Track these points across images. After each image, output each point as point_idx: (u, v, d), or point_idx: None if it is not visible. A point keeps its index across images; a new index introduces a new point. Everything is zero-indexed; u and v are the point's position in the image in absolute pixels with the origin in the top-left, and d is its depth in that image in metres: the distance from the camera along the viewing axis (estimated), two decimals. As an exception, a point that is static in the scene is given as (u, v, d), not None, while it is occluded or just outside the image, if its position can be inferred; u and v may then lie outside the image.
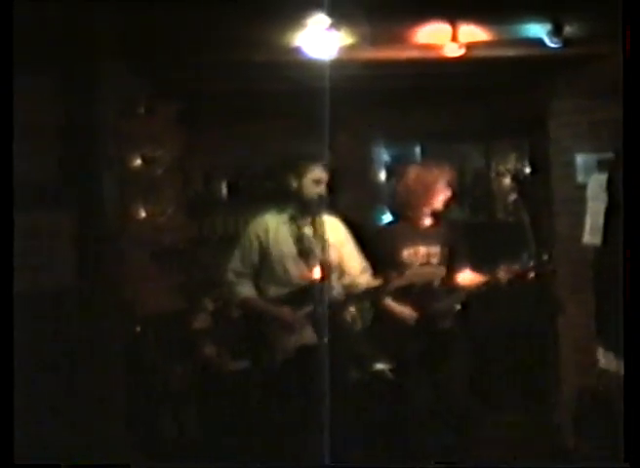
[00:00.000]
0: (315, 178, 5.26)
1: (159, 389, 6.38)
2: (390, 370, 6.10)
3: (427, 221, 5.58)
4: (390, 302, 5.44)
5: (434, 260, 5.52)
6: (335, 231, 5.37)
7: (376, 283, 5.27)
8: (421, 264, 5.48)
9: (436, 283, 5.48)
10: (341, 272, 5.32)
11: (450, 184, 5.54)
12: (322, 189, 5.24)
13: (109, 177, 5.19)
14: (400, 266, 5.44)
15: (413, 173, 5.61)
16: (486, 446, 6.03)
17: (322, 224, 5.15)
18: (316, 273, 4.99)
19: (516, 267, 5.34)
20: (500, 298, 5.98)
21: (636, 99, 3.10)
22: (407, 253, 5.49)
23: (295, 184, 5.28)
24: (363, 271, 5.35)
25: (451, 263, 5.56)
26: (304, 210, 5.28)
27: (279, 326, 5.16)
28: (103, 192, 5.10)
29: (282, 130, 7.62)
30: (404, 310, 5.45)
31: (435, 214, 5.58)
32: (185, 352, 6.65)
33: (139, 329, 6.17)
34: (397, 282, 5.22)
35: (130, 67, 5.51)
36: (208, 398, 6.63)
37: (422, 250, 5.51)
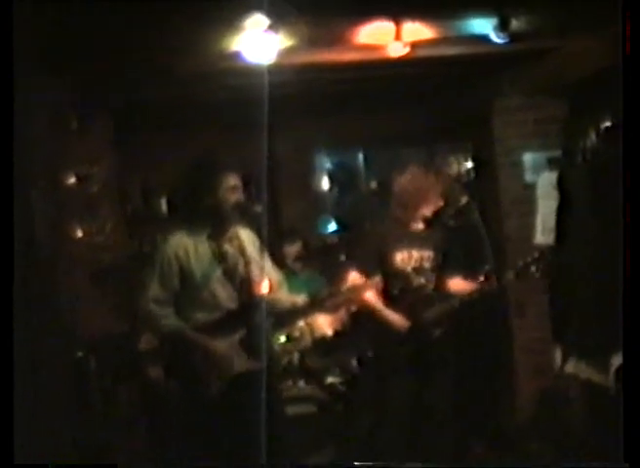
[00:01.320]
0: (231, 186, 4.78)
1: (106, 413, 6.14)
2: (341, 383, 5.97)
3: (420, 226, 5.44)
4: (379, 306, 5.28)
5: (427, 265, 5.38)
6: (251, 244, 4.93)
7: (300, 300, 5.00)
8: (414, 269, 5.33)
9: (430, 288, 5.34)
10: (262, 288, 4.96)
11: (443, 194, 5.40)
12: (240, 197, 4.79)
13: (42, 197, 4.92)
14: (393, 269, 5.26)
15: (410, 175, 5.48)
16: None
17: (241, 238, 4.84)
18: (246, 293, 4.73)
19: (507, 276, 5.25)
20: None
21: (636, 97, 2.99)
22: (400, 257, 5.34)
23: (210, 196, 4.78)
24: (280, 285, 4.99)
25: (442, 268, 5.45)
26: (224, 224, 4.83)
27: (211, 357, 4.72)
28: (36, 213, 4.83)
29: (221, 140, 7.43)
30: (396, 317, 5.29)
31: (426, 220, 5.44)
32: (131, 375, 6.42)
33: (80, 354, 5.92)
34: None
35: (59, 81, 5.27)
36: (155, 420, 6.40)
37: (415, 254, 5.37)
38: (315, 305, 5.05)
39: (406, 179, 5.48)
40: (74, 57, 4.72)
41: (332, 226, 7.87)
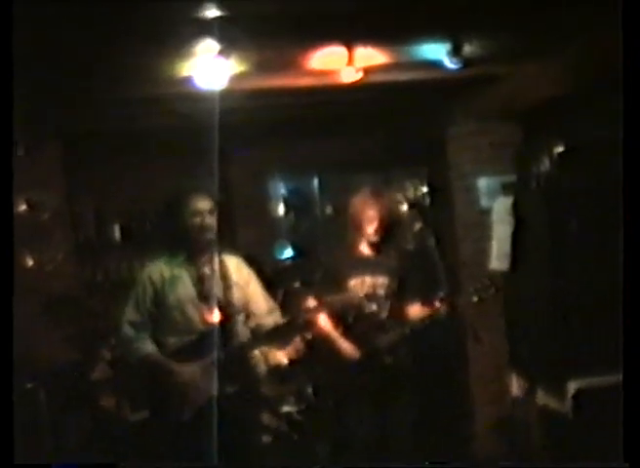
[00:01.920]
0: (194, 210, 4.77)
1: (56, 445, 6.03)
2: (297, 412, 5.90)
3: (371, 251, 5.38)
4: (333, 334, 5.21)
5: (381, 291, 5.31)
6: (237, 270, 4.96)
7: (283, 320, 4.99)
8: (366, 295, 5.26)
9: (384, 315, 5.27)
10: (247, 314, 4.97)
11: (382, 214, 5.32)
12: (205, 221, 4.76)
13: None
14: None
15: (356, 198, 5.45)
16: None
17: (223, 263, 4.82)
18: (215, 317, 4.68)
19: (461, 300, 5.19)
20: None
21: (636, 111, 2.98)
22: (353, 283, 5.27)
23: (178, 221, 4.82)
24: (270, 311, 5.00)
25: (397, 295, 5.38)
26: (196, 247, 4.83)
27: (182, 383, 4.75)
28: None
29: (173, 166, 7.37)
30: (347, 346, 5.21)
31: (376, 245, 5.37)
32: (84, 405, 6.31)
33: (30, 385, 5.81)
34: (329, 300, 4.99)
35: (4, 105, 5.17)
36: (108, 450, 6.29)
37: (368, 280, 5.30)
38: (294, 329, 5.06)
39: (352, 203, 5.45)
40: (20, 81, 4.63)
41: (288, 252, 7.81)
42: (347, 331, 5.22)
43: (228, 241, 5.27)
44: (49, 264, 6.58)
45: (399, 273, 5.38)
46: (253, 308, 4.95)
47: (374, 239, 5.30)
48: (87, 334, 6.60)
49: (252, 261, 6.62)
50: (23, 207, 6.38)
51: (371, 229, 5.28)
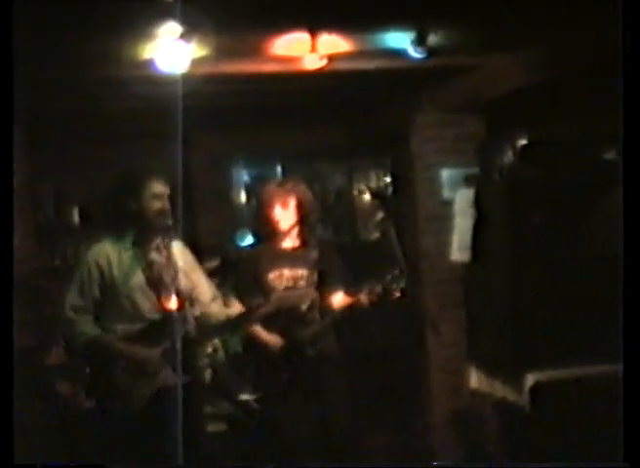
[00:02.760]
0: (155, 193, 4.66)
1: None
2: (256, 401, 5.86)
3: (289, 242, 5.31)
4: (258, 329, 5.14)
5: (302, 283, 5.24)
6: (182, 256, 4.81)
7: (235, 312, 4.92)
8: (287, 288, 5.20)
9: (304, 307, 5.19)
10: (192, 301, 4.80)
11: (297, 202, 5.24)
12: (164, 205, 4.66)
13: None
14: (265, 290, 5.13)
15: (265, 188, 5.39)
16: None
17: (170, 248, 4.68)
18: (171, 304, 4.58)
19: (378, 288, 5.10)
20: (369, 319, 5.79)
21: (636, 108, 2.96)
22: (272, 277, 5.21)
23: (134, 203, 4.68)
24: (213, 299, 4.88)
25: (320, 286, 5.29)
26: (148, 232, 4.70)
27: (132, 368, 4.62)
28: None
29: (134, 149, 7.30)
30: (271, 338, 5.16)
31: (291, 236, 5.30)
32: (39, 390, 6.24)
33: (-17, 369, 5.72)
34: (263, 309, 4.90)
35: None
36: (65, 436, 6.23)
37: (287, 273, 5.23)
38: (249, 317, 4.94)
39: (261, 193, 5.40)
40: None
41: (248, 239, 7.77)
42: (270, 324, 5.16)
43: (189, 228, 5.20)
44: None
45: (319, 265, 5.30)
46: (197, 295, 4.83)
47: (284, 227, 5.23)
48: (43, 319, 6.54)
49: (211, 247, 6.59)
50: (-19, 188, 6.27)
51: (280, 216, 5.22)
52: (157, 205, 4.65)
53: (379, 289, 5.03)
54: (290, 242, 5.31)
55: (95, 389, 4.88)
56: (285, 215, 5.23)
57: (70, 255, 7.60)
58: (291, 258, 5.27)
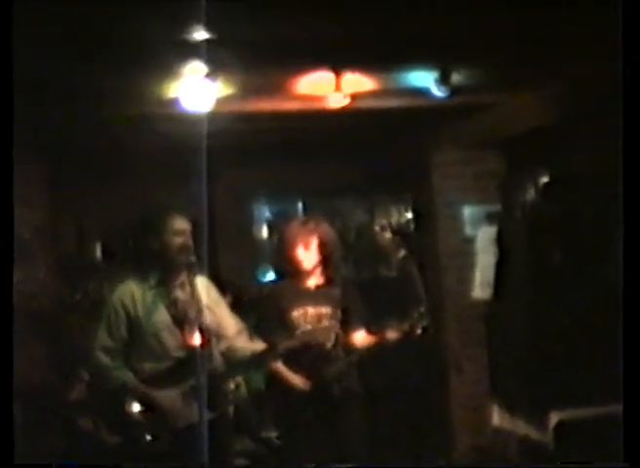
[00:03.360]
0: (176, 229, 4.61)
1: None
2: (278, 437, 5.84)
3: (312, 280, 5.31)
4: (281, 368, 5.12)
5: (326, 321, 5.23)
6: (207, 292, 4.73)
7: (260, 347, 4.91)
8: (311, 326, 5.20)
9: (329, 344, 5.18)
10: (218, 337, 4.75)
11: (320, 241, 5.25)
12: (186, 241, 4.60)
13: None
14: (288, 328, 5.13)
15: (285, 231, 5.38)
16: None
17: (194, 284, 4.57)
18: (196, 340, 4.58)
19: (405, 326, 5.10)
20: (392, 357, 5.78)
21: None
22: (296, 314, 5.20)
23: (155, 241, 4.64)
24: (239, 332, 4.82)
25: (343, 324, 5.29)
26: (171, 269, 4.64)
27: (161, 411, 4.56)
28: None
29: (158, 187, 7.35)
30: (295, 378, 5.14)
31: (316, 274, 5.30)
32: (60, 426, 6.24)
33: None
34: (286, 344, 4.89)
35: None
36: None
37: (311, 310, 5.23)
38: (273, 353, 4.93)
39: (283, 232, 5.39)
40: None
41: (270, 275, 7.79)
42: (294, 363, 5.14)
43: (210, 263, 5.20)
44: (29, 282, 6.53)
45: (343, 302, 5.30)
46: (223, 331, 4.79)
47: (308, 266, 5.24)
48: (65, 354, 6.56)
49: (232, 283, 6.61)
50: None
51: (303, 255, 5.22)
52: (179, 241, 4.60)
53: (405, 327, 5.03)
54: (314, 280, 5.30)
55: (122, 426, 4.86)
56: (307, 255, 5.23)
57: (92, 291, 7.64)
58: (315, 296, 5.26)
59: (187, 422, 4.53)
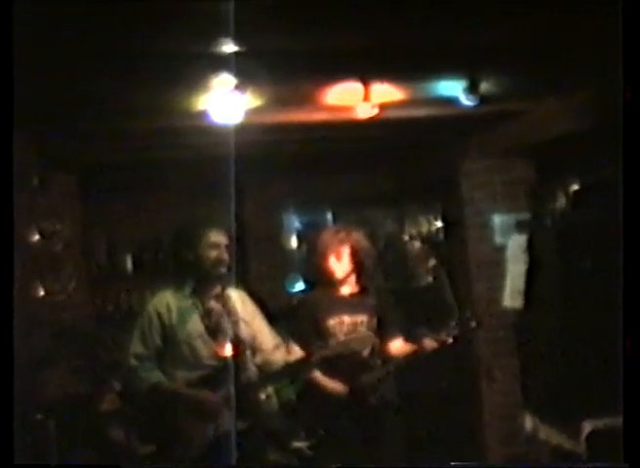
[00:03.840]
0: (212, 243, 4.70)
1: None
2: (309, 448, 5.82)
3: (346, 289, 5.30)
4: (319, 376, 5.12)
5: (362, 329, 5.23)
6: (243, 305, 4.86)
7: (295, 357, 4.93)
8: (347, 334, 5.19)
9: (365, 353, 5.17)
10: (254, 350, 4.84)
11: (352, 250, 5.23)
12: (221, 254, 4.71)
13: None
14: (325, 337, 5.13)
15: (318, 240, 5.39)
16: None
17: (229, 297, 4.74)
18: (228, 351, 4.62)
19: (443, 335, 5.08)
20: (424, 365, 5.76)
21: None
22: (332, 323, 5.19)
23: (191, 253, 4.74)
24: (276, 347, 4.90)
25: (379, 333, 5.29)
26: (207, 281, 4.75)
27: (193, 412, 4.63)
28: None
29: (186, 199, 7.39)
30: (334, 385, 5.13)
31: (349, 283, 5.30)
32: (92, 436, 6.26)
33: (39, 416, 5.78)
34: (321, 354, 4.89)
35: (20, 136, 5.18)
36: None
37: (347, 319, 5.22)
38: (309, 363, 4.92)
39: (318, 240, 5.39)
40: (34, 112, 4.64)
41: (299, 285, 7.80)
42: (332, 371, 5.11)
43: (240, 274, 5.23)
44: (60, 294, 6.57)
45: (378, 311, 5.30)
46: (259, 344, 4.86)
47: (340, 275, 5.23)
48: (97, 365, 6.59)
49: (263, 294, 6.62)
50: (37, 237, 6.37)
51: (336, 264, 5.22)
52: (214, 254, 4.70)
53: (443, 336, 5.03)
54: (348, 288, 5.30)
55: (154, 434, 4.90)
56: (340, 265, 5.23)
57: (123, 302, 7.69)
58: (350, 305, 5.26)
59: (220, 432, 4.57)
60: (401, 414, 5.36)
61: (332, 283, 5.27)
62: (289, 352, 4.98)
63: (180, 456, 4.65)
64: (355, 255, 5.22)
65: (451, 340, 5.09)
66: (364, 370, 5.15)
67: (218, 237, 4.73)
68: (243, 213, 7.54)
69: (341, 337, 5.15)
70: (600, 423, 5.08)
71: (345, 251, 5.21)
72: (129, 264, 7.78)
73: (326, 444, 5.26)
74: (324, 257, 5.23)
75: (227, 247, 4.74)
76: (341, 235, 5.27)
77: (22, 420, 5.40)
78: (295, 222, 8.28)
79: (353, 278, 5.27)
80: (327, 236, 5.33)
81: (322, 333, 5.14)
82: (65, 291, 6.61)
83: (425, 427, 6.93)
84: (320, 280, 5.35)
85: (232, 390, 4.56)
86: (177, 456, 4.69)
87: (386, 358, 5.22)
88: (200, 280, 4.76)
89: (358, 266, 5.25)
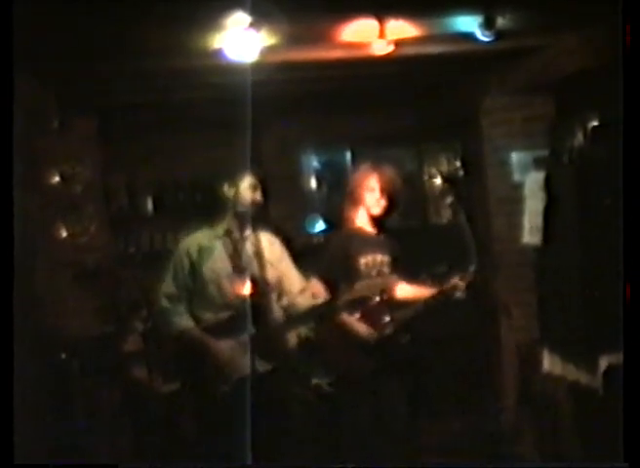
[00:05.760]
0: (250, 185, 4.75)
1: (89, 415, 6.08)
2: (329, 384, 5.88)
3: (371, 228, 5.29)
4: (349, 318, 5.12)
5: (386, 269, 5.23)
6: (270, 247, 4.90)
7: (320, 300, 4.93)
8: (375, 274, 5.19)
9: (385, 296, 5.18)
10: (280, 292, 4.89)
11: (383, 188, 5.21)
12: (258, 196, 4.76)
13: (25, 197, 4.84)
14: (356, 275, 5.13)
15: (354, 174, 5.40)
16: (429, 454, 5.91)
17: (256, 239, 4.79)
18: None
19: (467, 276, 5.10)
20: (442, 304, 5.79)
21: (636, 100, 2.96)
22: (364, 261, 5.19)
23: (230, 194, 4.77)
24: (302, 291, 4.92)
25: (401, 273, 5.31)
26: (240, 222, 4.78)
27: (218, 359, 4.66)
28: (18, 213, 4.73)
29: (205, 139, 7.39)
30: (363, 327, 5.14)
31: (377, 221, 5.29)
32: (116, 376, 6.36)
33: (64, 355, 5.87)
34: (346, 296, 4.91)
35: (39, 79, 5.20)
36: (140, 421, 6.35)
37: (379, 257, 5.23)
38: (333, 306, 4.94)
39: (353, 177, 5.37)
40: (53, 56, 4.65)
41: (320, 225, 7.81)
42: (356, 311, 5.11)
43: (261, 215, 5.25)
44: (82, 236, 6.63)
45: (402, 250, 5.31)
46: (285, 287, 4.91)
47: (377, 211, 5.21)
48: (119, 306, 6.66)
49: (284, 235, 6.65)
50: (56, 179, 6.41)
51: (372, 201, 5.20)
52: (252, 197, 4.74)
53: (468, 278, 5.05)
54: (371, 227, 5.29)
55: (178, 375, 4.97)
56: (377, 200, 5.21)
57: (144, 243, 7.74)
58: (377, 243, 5.27)
59: (243, 373, 4.61)
60: (421, 355, 5.41)
61: (361, 220, 5.27)
62: (314, 296, 4.99)
63: (203, 396, 4.72)
64: (391, 195, 5.22)
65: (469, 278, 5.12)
66: (384, 312, 5.17)
67: (255, 179, 4.78)
68: (260, 152, 7.54)
69: (374, 275, 5.16)
70: (617, 359, 5.10)
71: (384, 190, 5.19)
72: (149, 206, 7.80)
73: (345, 381, 5.31)
74: (363, 193, 5.21)
75: (253, 187, 4.76)
76: (382, 174, 5.25)
77: (48, 360, 5.49)
78: (313, 162, 8.26)
79: (381, 212, 5.26)
80: (367, 173, 5.30)
81: (354, 272, 5.14)
82: (87, 232, 6.67)
83: (444, 365, 7.00)
84: (349, 218, 5.32)
85: (252, 331, 4.62)
86: (199, 396, 4.77)
87: (408, 300, 5.25)
88: (234, 221, 4.80)
89: (392, 204, 5.25)
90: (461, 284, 5.06)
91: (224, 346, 4.68)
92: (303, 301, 4.91)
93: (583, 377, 5.37)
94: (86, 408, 6.08)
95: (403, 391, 5.35)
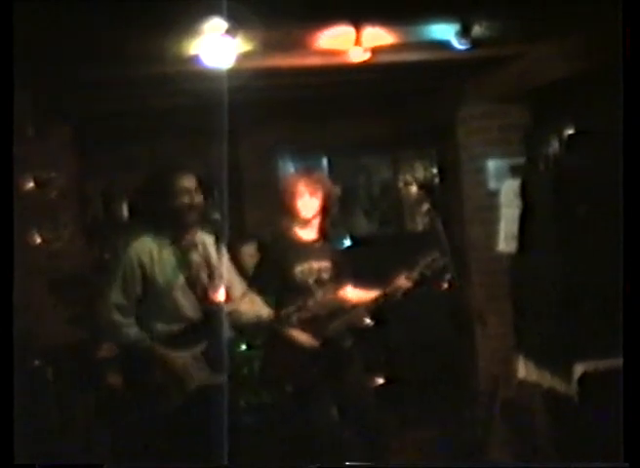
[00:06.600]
0: (183, 187, 4.53)
1: (63, 423, 6.04)
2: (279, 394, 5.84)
3: (309, 235, 5.28)
4: (291, 331, 5.10)
5: (325, 276, 5.22)
6: (213, 251, 4.74)
7: (264, 312, 4.85)
8: (316, 281, 5.17)
9: (335, 303, 5.17)
10: (226, 297, 4.70)
11: (312, 192, 5.21)
12: (192, 199, 4.54)
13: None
14: (293, 283, 5.12)
15: (286, 178, 5.41)
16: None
17: (206, 244, 4.67)
18: (210, 302, 4.59)
19: (415, 274, 5.09)
20: (417, 311, 5.81)
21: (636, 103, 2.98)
22: (300, 269, 5.18)
23: (165, 200, 4.55)
24: (243, 296, 4.79)
25: (344, 279, 5.32)
26: (181, 227, 4.59)
27: (171, 371, 4.52)
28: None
29: (179, 145, 7.37)
30: (306, 338, 5.13)
31: (313, 228, 5.28)
32: (90, 383, 6.31)
33: (37, 362, 5.82)
34: (300, 314, 4.87)
35: (15, 85, 5.16)
36: (115, 427, 6.30)
37: (315, 265, 5.21)
38: (281, 320, 4.90)
39: (284, 182, 5.40)
40: (29, 62, 4.61)
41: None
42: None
43: (236, 220, 5.23)
44: (56, 242, 6.58)
45: (341, 257, 5.32)
46: (229, 291, 4.73)
47: (308, 215, 5.21)
48: (93, 312, 6.61)
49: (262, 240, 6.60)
50: (31, 185, 6.37)
51: (303, 206, 5.20)
52: (187, 199, 4.55)
53: (414, 275, 5.05)
54: (308, 233, 5.28)
55: (136, 388, 4.81)
56: (308, 204, 5.20)
57: (120, 250, 7.70)
58: (315, 251, 5.26)
59: (199, 385, 4.55)
60: (390, 359, 5.41)
61: (300, 224, 5.25)
62: (253, 302, 4.89)
63: (161, 409, 4.58)
64: (322, 199, 5.22)
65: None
66: (333, 319, 5.16)
67: (187, 182, 4.58)
68: (237, 159, 7.53)
69: (311, 283, 5.15)
70: (592, 366, 5.12)
71: (314, 192, 5.18)
72: (125, 212, 7.76)
73: (301, 393, 5.25)
74: (292, 197, 5.21)
75: (197, 191, 4.59)
76: (311, 178, 5.26)
77: (21, 367, 5.45)
78: (290, 169, 8.25)
79: (317, 223, 5.26)
80: (296, 178, 5.33)
81: (290, 280, 5.14)
82: (61, 239, 6.62)
83: (419, 372, 7.00)
84: (282, 227, 5.31)
85: (223, 338, 4.56)
86: (159, 408, 4.63)
87: (352, 305, 5.25)
88: (176, 227, 4.61)
89: (324, 210, 5.25)
90: (407, 283, 5.06)
91: (179, 358, 4.55)
92: (245, 308, 4.80)
93: (558, 385, 5.39)
94: (60, 413, 6.04)
95: (364, 399, 5.34)
